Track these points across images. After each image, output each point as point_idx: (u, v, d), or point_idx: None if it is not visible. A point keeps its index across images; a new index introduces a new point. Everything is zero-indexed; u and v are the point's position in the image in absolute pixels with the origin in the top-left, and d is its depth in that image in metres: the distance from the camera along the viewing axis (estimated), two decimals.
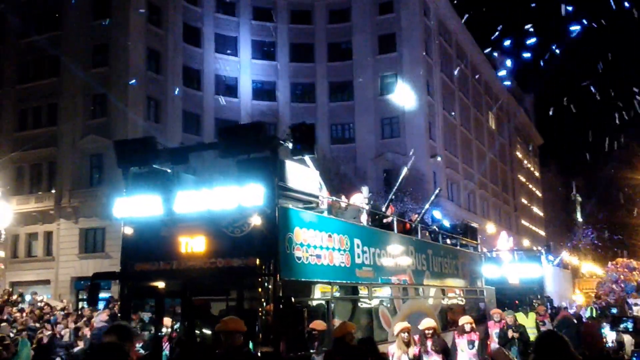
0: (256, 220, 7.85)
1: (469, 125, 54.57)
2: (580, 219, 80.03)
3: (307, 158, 8.83)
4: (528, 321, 13.89)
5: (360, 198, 10.39)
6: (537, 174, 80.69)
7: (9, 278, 35.37)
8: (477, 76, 57.23)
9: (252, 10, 44.99)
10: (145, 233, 8.40)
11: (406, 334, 9.46)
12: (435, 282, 12.74)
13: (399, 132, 44.75)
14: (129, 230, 8.51)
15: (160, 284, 8.17)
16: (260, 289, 7.84)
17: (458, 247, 14.72)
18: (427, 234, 13.24)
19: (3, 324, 15.33)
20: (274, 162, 7.99)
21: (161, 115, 38.71)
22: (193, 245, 8.12)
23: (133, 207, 8.43)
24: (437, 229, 13.69)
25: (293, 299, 7.86)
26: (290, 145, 8.18)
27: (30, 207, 37.00)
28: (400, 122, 44.84)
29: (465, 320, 11.07)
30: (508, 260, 22.89)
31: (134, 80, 35.68)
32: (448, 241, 14.48)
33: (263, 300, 7.83)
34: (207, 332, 8.88)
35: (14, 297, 24.13)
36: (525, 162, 74.24)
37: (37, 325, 16.83)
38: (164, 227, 8.25)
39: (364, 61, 45.35)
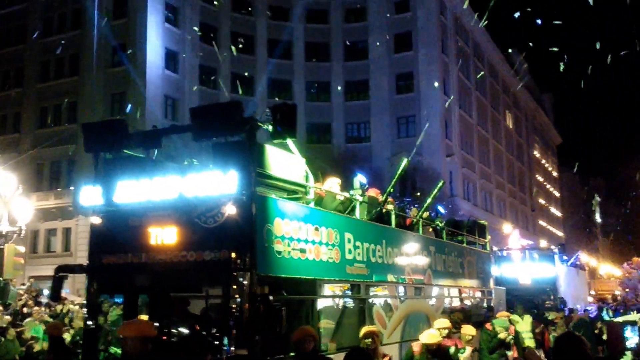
0: (230, 210, 6.95)
1: (486, 125, 53.17)
2: (599, 220, 77.81)
3: (292, 144, 7.90)
4: (523, 324, 12.43)
5: (334, 183, 9.32)
6: (555, 173, 78.65)
7: (28, 272, 35.12)
8: (494, 75, 55.79)
9: (268, 9, 44.25)
10: (114, 223, 7.56)
11: (370, 339, 7.61)
12: (438, 281, 11.71)
13: (414, 132, 43.62)
14: (97, 220, 7.67)
15: (129, 279, 7.35)
16: (234, 285, 6.94)
17: (465, 245, 13.64)
18: (430, 230, 12.20)
19: (28, 319, 14.91)
20: (251, 146, 7.08)
21: (179, 113, 38.23)
22: (163, 236, 7.25)
23: (102, 195, 7.60)
24: (441, 225, 12.60)
25: (271, 297, 6.97)
26: (270, 127, 7.25)
27: (49, 204, 36.80)
28: (417, 121, 43.74)
29: (440, 325, 9.45)
30: (520, 259, 21.52)
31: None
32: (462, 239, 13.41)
33: (237, 297, 6.93)
34: (185, 330, 8.04)
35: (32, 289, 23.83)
36: (543, 161, 72.35)
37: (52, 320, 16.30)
38: (133, 217, 7.39)
39: (380, 60, 44.40)
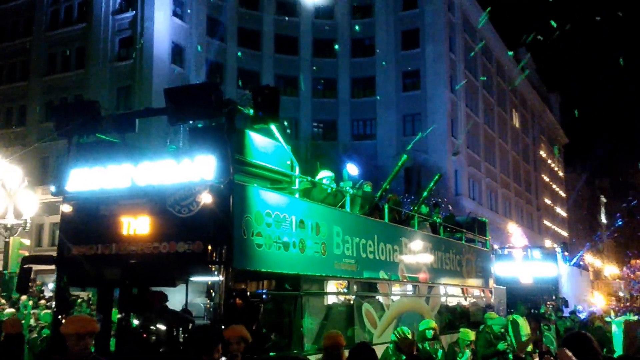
0: (206, 199, 6.42)
1: (493, 124, 52.33)
2: (604, 221, 76.72)
3: (276, 131, 7.33)
4: (527, 327, 11.06)
5: (326, 176, 8.75)
6: (561, 174, 77.55)
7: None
8: (502, 73, 54.94)
9: (275, 4, 43.69)
10: (85, 211, 7.03)
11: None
12: (434, 280, 11.09)
13: (420, 129, 42.90)
14: (67, 208, 7.14)
15: (100, 271, 6.82)
16: (209, 280, 6.41)
17: (463, 242, 13.00)
18: (427, 226, 11.59)
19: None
20: (230, 131, 6.53)
21: None
22: (135, 226, 6.72)
23: (74, 181, 7.06)
24: (439, 219, 11.97)
25: (248, 292, 6.43)
26: (250, 111, 6.68)
27: (54, 197, 36.29)
28: (423, 119, 43.05)
29: (426, 325, 8.69)
30: (521, 258, 20.76)
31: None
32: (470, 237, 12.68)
33: (212, 292, 6.39)
34: (162, 327, 7.52)
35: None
36: (550, 161, 71.31)
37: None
38: (104, 206, 6.86)
39: (387, 57, 43.68)
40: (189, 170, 6.51)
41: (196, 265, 6.44)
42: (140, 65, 35.59)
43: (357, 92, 44.74)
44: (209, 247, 6.38)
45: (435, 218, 11.92)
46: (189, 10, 38.83)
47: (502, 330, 9.75)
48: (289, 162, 7.61)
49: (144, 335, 7.59)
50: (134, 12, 36.54)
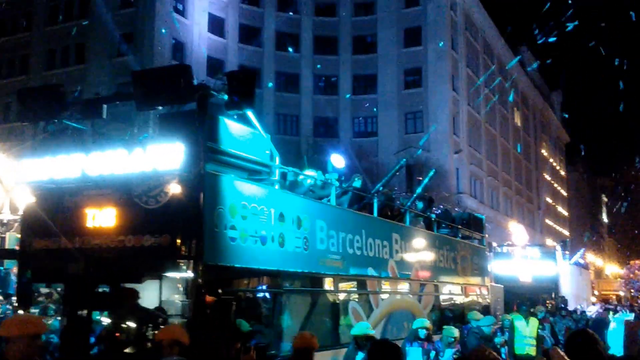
0: (174, 189, 5.91)
1: (494, 122, 51.69)
2: (605, 220, 75.92)
3: (253, 118, 6.81)
4: (527, 328, 10.28)
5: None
6: (562, 172, 76.75)
7: None
8: (503, 72, 54.27)
9: (277, 1, 43.15)
10: (47, 203, 6.53)
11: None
12: (427, 277, 10.56)
13: (422, 127, 42.37)
14: (30, 199, 6.65)
15: (63, 266, 6.33)
16: (178, 275, 5.91)
17: (458, 239, 12.45)
18: (421, 222, 11.05)
19: None
20: (202, 117, 6.02)
21: None
22: (101, 218, 6.23)
23: (38, 170, 6.56)
24: (431, 216, 11.42)
25: (220, 290, 5.93)
26: (225, 97, 6.18)
27: None
28: (424, 117, 42.49)
29: (419, 325, 8.18)
30: (520, 256, 20.14)
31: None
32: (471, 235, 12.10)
33: (181, 289, 5.90)
34: (132, 324, 7.02)
35: None
36: (551, 160, 70.55)
37: None
38: (68, 196, 6.36)
39: (389, 54, 43.14)
40: (158, 159, 6.01)
41: (164, 260, 5.96)
42: (141, 61, 35.12)
43: (359, 90, 44.20)
44: (178, 241, 5.89)
45: (425, 210, 11.34)
46: (189, 6, 38.36)
47: (493, 330, 9.12)
48: (268, 152, 7.10)
49: (116, 334, 7.11)
50: (135, 8, 36.10)
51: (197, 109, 6.02)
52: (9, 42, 39.16)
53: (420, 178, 38.18)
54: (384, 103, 43.05)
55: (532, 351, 10.07)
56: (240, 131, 6.71)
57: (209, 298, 5.86)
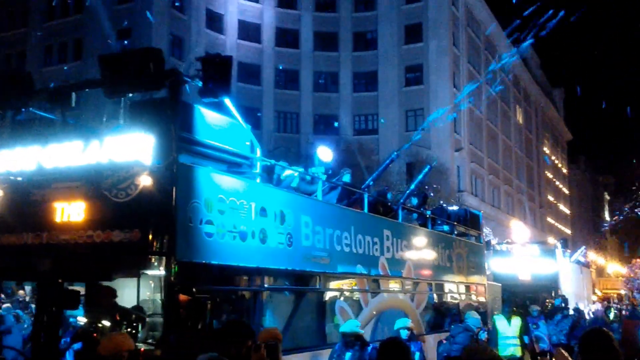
0: (145, 181, 5.54)
1: (496, 119, 51.21)
2: (607, 218, 75.33)
3: (232, 108, 6.45)
4: (509, 328, 9.86)
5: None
6: (564, 170, 76.17)
7: None
8: (505, 68, 53.74)
9: None
10: (13, 196, 6.17)
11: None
12: (420, 275, 10.18)
13: (423, 125, 41.92)
14: None
15: (30, 263, 5.98)
16: (154, 273, 5.56)
17: (454, 236, 12.05)
18: (415, 218, 10.67)
19: None
20: (174, 105, 5.66)
21: None
22: (69, 212, 5.86)
23: (3, 162, 6.20)
24: (426, 213, 11.03)
25: (194, 288, 5.57)
26: (199, 83, 5.81)
27: None
28: (425, 114, 42.05)
29: (401, 325, 7.76)
30: (520, 254, 19.69)
31: None
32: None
33: (153, 287, 5.54)
34: (107, 323, 6.67)
35: None
36: (553, 158, 69.99)
37: None
38: (35, 189, 6.00)
39: (390, 51, 42.72)
40: (128, 150, 5.64)
41: (134, 256, 5.58)
42: None
43: (359, 87, 43.79)
44: (149, 237, 5.52)
45: (423, 210, 10.96)
46: (187, 2, 38.00)
47: (479, 329, 8.70)
48: (248, 143, 6.73)
49: (94, 335, 6.76)
50: (132, 2, 35.76)
51: (168, 97, 5.66)
52: (5, 38, 38.86)
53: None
54: (384, 100, 42.66)
55: (517, 351, 9.68)
56: (217, 121, 6.35)
57: (182, 297, 5.51)
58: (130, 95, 5.89)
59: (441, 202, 31.64)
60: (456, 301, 11.52)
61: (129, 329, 6.82)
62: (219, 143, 6.33)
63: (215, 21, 39.94)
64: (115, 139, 5.76)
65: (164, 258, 5.51)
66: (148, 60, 5.50)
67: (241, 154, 6.63)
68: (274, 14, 42.56)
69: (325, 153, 8.46)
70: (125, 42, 35.21)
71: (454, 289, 11.65)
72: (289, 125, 43.36)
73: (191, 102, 6.42)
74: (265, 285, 6.65)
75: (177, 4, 37.33)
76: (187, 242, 5.67)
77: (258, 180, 6.81)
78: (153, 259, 5.59)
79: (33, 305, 9.32)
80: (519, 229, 36.93)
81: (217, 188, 6.08)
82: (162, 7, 35.97)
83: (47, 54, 37.91)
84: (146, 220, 5.57)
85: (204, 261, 5.85)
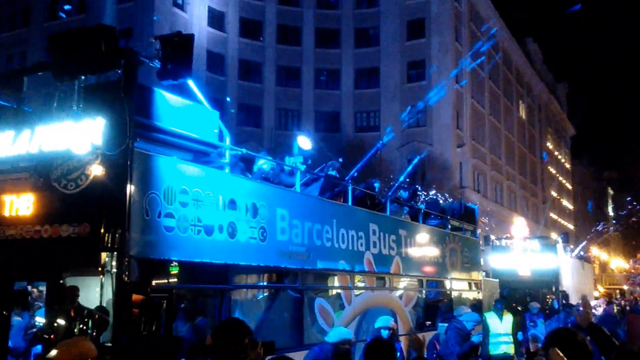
0: (96, 171, 5.03)
1: (499, 115, 50.45)
2: (611, 213, 74.30)
3: (198, 92, 5.91)
4: (500, 325, 9.47)
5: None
6: (568, 166, 75.15)
7: None
8: (508, 64, 52.98)
9: None
10: None
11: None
12: (409, 271, 9.60)
13: (425, 121, 41.27)
14: None
15: None
16: (100, 271, 5.03)
17: (447, 230, 11.46)
18: (406, 213, 10.09)
19: None
20: (128, 87, 5.12)
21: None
22: (18, 206, 5.36)
23: None
24: (420, 207, 10.44)
25: (150, 287, 5.05)
26: (158, 64, 5.28)
27: None
28: (427, 110, 41.31)
29: (382, 324, 7.22)
30: (519, 249, 19.03)
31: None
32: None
33: (105, 286, 5.03)
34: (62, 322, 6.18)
35: None
36: (556, 153, 69.03)
37: None
38: None
39: (392, 47, 42.05)
40: (79, 137, 5.13)
41: (83, 252, 5.06)
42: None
43: (361, 83, 43.19)
44: (100, 231, 5.00)
45: (413, 204, 10.37)
46: (189, 0, 37.53)
47: (475, 328, 8.15)
48: (216, 131, 6.19)
49: (52, 337, 6.26)
50: (134, 2, 35.33)
51: (122, 79, 5.13)
52: (6, 38, 38.53)
53: (423, 172, 37.60)
54: (386, 97, 42.03)
55: (510, 349, 9.15)
56: (181, 105, 5.81)
57: (135, 296, 4.99)
58: (83, 78, 5.36)
59: (434, 194, 31.05)
60: (448, 298, 10.92)
61: (91, 332, 6.33)
62: (184, 130, 5.79)
63: (216, 19, 39.46)
64: (66, 125, 5.25)
65: (115, 254, 4.99)
66: (100, 39, 4.96)
67: (208, 142, 6.09)
68: (276, 12, 42.01)
69: (304, 142, 7.95)
70: (127, 42, 34.86)
71: (447, 285, 11.06)
72: (290, 122, 42.84)
73: (158, 87, 5.89)
74: (233, 283, 6.11)
75: (178, 1, 36.87)
76: (142, 237, 5.14)
77: (227, 170, 6.27)
78: (104, 256, 5.07)
79: None
80: (522, 225, 36.17)
81: (178, 178, 5.55)
82: (164, 5, 35.53)
83: (48, 54, 37.55)
84: (97, 214, 5.07)
85: (162, 257, 5.33)
